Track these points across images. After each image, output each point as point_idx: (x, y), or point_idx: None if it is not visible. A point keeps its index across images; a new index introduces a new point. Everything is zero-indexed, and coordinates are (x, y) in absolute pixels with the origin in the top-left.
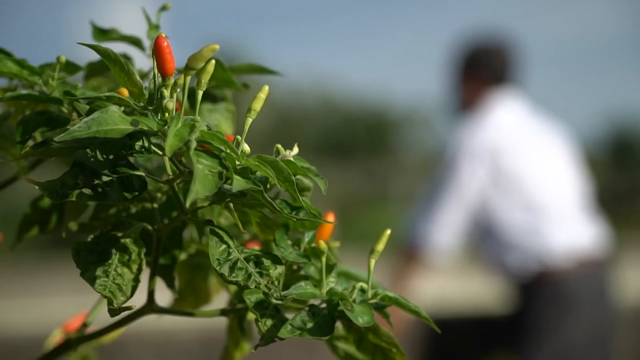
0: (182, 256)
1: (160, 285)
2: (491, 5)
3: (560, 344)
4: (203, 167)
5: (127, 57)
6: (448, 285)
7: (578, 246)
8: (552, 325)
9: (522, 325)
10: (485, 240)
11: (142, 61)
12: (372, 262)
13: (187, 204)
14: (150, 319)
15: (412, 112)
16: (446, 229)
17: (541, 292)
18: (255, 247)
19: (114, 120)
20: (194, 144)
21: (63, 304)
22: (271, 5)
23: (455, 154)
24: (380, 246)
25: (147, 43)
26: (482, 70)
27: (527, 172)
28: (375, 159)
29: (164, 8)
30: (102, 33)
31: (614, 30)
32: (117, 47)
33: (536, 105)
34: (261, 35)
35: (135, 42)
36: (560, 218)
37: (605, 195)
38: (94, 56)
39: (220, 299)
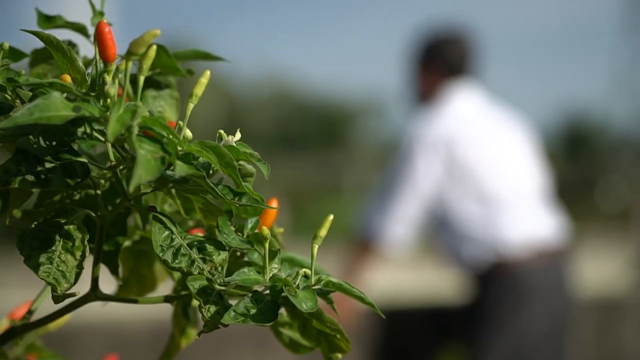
0: (126, 243)
1: (107, 273)
2: None
3: (515, 334)
4: (146, 152)
5: (71, 44)
6: (403, 277)
7: (534, 237)
8: (507, 315)
9: (478, 316)
10: (440, 231)
11: (87, 48)
12: (315, 247)
13: (131, 189)
14: (102, 309)
15: (367, 103)
16: (401, 220)
17: (497, 283)
18: (199, 233)
19: (56, 107)
20: (135, 129)
21: (11, 295)
22: None
23: (410, 145)
24: (323, 232)
25: (92, 30)
26: (439, 62)
27: (482, 164)
28: (328, 150)
29: None
30: (47, 20)
31: (567, 22)
32: (64, 34)
33: (492, 96)
34: (216, 25)
35: (80, 29)
36: (517, 209)
37: (559, 187)
38: (42, 43)
39: (165, 287)
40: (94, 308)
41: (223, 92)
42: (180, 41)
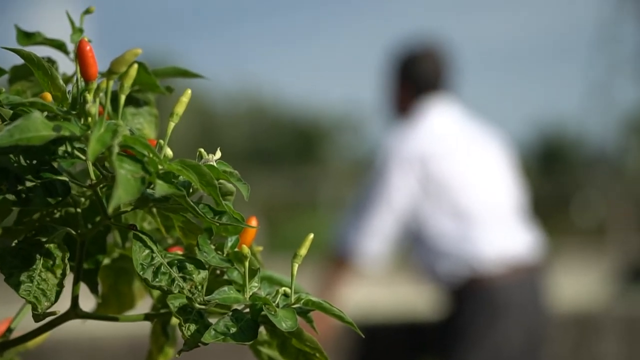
0: (106, 260)
1: (87, 289)
2: (424, 12)
3: (491, 349)
4: (126, 172)
5: (51, 61)
6: (378, 292)
7: (510, 252)
8: (482, 330)
9: (453, 331)
10: (415, 246)
11: (66, 65)
12: (295, 266)
13: (110, 210)
14: (81, 325)
15: (343, 119)
16: (376, 236)
17: (472, 298)
18: (179, 251)
19: (37, 127)
20: (116, 149)
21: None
22: (203, 11)
23: (385, 160)
24: (303, 251)
25: (72, 47)
26: (415, 77)
27: (457, 179)
28: (304, 165)
29: (87, 11)
30: (26, 36)
31: (541, 36)
32: (42, 51)
33: (468, 111)
34: (192, 41)
35: (59, 45)
36: (492, 224)
37: (534, 201)
38: (21, 60)
39: (144, 304)
40: (73, 323)
41: (198, 108)
42: (157, 57)
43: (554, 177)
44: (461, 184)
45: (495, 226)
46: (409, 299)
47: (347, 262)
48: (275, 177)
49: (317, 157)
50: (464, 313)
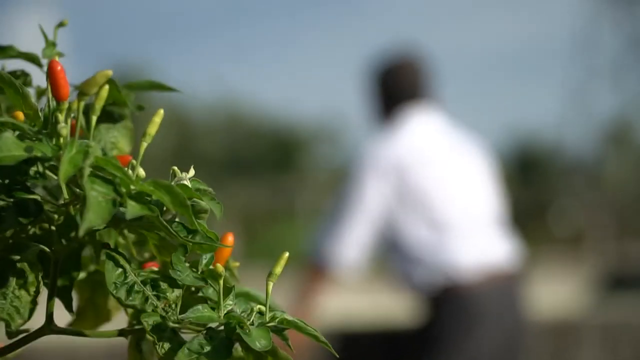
0: (82, 274)
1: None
2: (402, 21)
3: (468, 358)
4: (97, 194)
5: (25, 74)
6: (355, 301)
7: (487, 261)
8: (460, 339)
9: (430, 339)
10: (392, 254)
11: (41, 77)
12: (270, 285)
13: (81, 234)
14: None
15: (320, 128)
16: (352, 244)
17: (448, 306)
18: (154, 267)
19: (8, 147)
20: (87, 171)
21: None
22: (180, 20)
23: (361, 168)
24: (278, 269)
25: (45, 60)
26: (394, 86)
27: (435, 188)
28: (282, 174)
29: (61, 25)
30: (0, 50)
31: (518, 45)
32: (16, 64)
33: (449, 120)
34: (168, 51)
35: (33, 59)
36: (469, 233)
37: (512, 210)
38: None
39: (122, 316)
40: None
41: (175, 117)
42: (133, 67)
43: (531, 185)
44: (439, 193)
45: (473, 235)
46: (386, 307)
47: (323, 270)
48: (254, 186)
49: (295, 167)
50: (441, 321)
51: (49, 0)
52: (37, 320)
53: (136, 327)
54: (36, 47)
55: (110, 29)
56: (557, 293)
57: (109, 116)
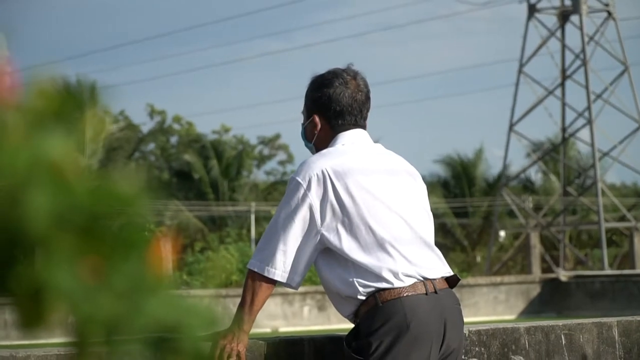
0: None
1: None
2: (340, 44)
3: None
4: None
5: None
6: (288, 311)
7: (420, 278)
8: (391, 353)
9: (361, 353)
10: (323, 268)
11: None
12: None
13: None
14: None
15: (260, 149)
16: (287, 257)
17: (381, 320)
18: None
19: None
20: None
21: None
22: (116, 45)
23: (295, 186)
24: None
25: None
26: (330, 107)
27: (366, 206)
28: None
29: None
30: None
31: (459, 71)
32: None
33: (381, 143)
34: (101, 76)
35: None
36: (402, 251)
37: (444, 234)
38: None
39: None
40: None
41: None
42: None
43: (464, 210)
44: (371, 211)
45: (405, 253)
46: (320, 318)
47: (260, 281)
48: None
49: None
50: (373, 335)
51: None
52: None
53: None
54: None
55: (40, 53)
56: (490, 312)
57: None
